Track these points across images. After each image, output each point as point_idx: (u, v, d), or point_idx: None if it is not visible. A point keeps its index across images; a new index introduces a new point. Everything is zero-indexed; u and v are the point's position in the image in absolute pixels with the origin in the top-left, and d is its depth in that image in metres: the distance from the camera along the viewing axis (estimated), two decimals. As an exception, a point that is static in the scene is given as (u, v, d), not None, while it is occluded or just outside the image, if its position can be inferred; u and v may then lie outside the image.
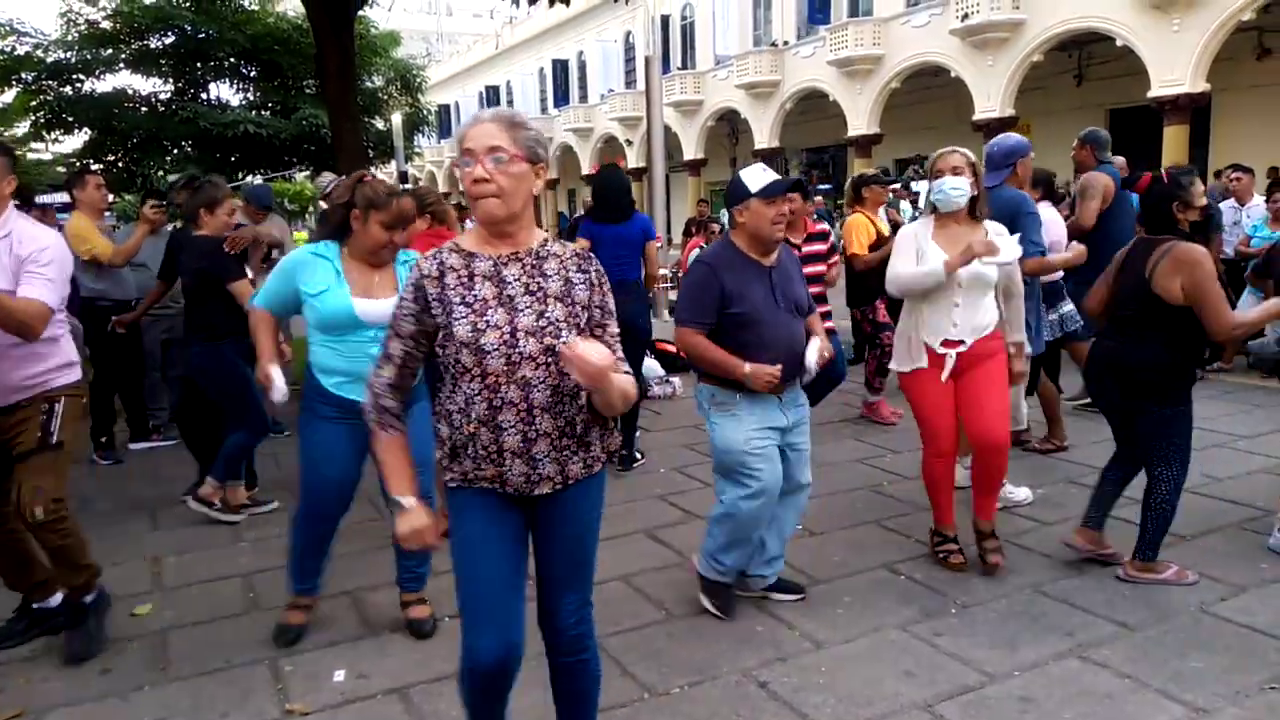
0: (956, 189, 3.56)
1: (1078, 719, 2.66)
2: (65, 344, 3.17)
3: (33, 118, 13.04)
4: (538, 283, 2.00)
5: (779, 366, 3.13)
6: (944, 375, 3.63)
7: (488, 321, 1.94)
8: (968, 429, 3.66)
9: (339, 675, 3.03)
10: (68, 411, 3.14)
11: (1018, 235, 3.76)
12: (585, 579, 2.21)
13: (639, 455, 5.48)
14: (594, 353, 1.83)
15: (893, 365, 3.85)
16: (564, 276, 2.03)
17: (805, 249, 5.78)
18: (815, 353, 3.30)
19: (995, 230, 3.70)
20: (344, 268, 3.12)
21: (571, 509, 2.11)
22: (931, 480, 3.79)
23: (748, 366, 3.13)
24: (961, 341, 3.60)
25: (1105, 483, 3.76)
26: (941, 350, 3.62)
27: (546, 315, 1.97)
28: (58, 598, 3.35)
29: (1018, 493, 4.53)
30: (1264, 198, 7.74)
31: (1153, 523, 3.56)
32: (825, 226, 6.10)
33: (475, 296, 1.97)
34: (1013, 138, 4.70)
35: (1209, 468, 4.94)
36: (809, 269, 5.67)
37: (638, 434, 5.65)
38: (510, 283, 1.99)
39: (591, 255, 2.10)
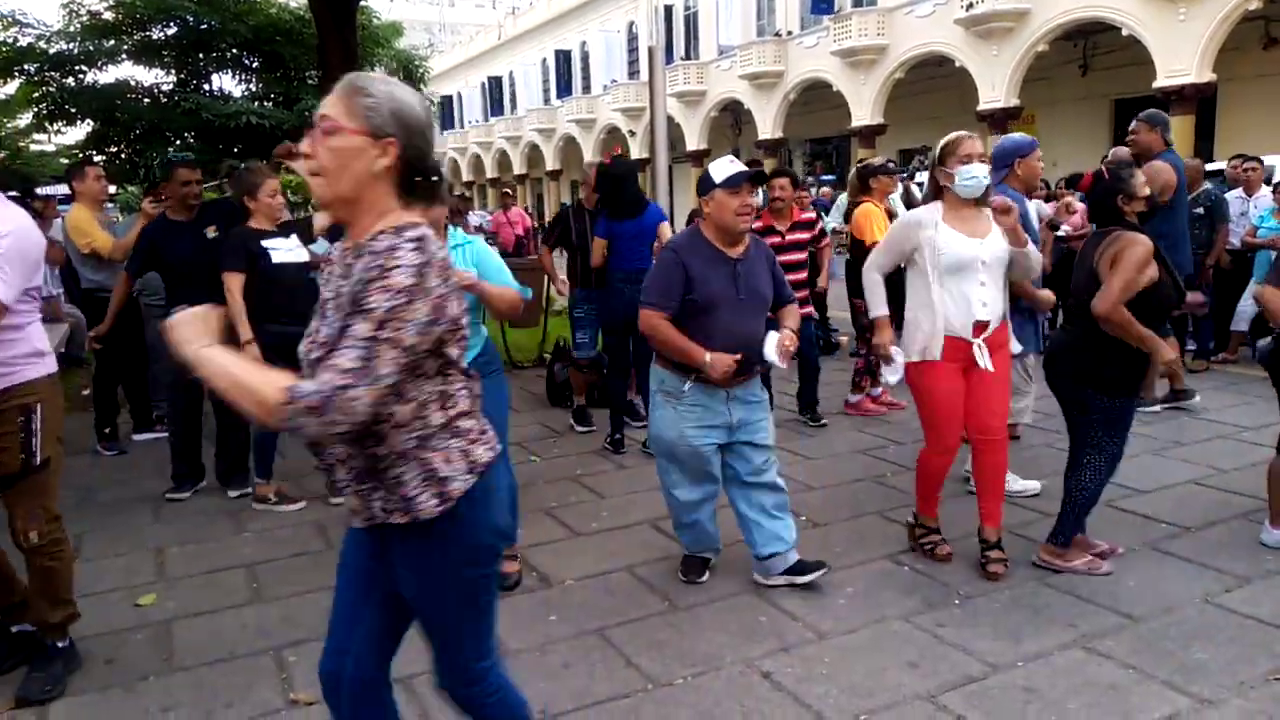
0: (986, 177, 3.54)
1: (1082, 710, 2.66)
2: (32, 332, 2.89)
3: (35, 109, 13.01)
4: (339, 286, 1.67)
5: (738, 355, 3.19)
6: (985, 363, 3.54)
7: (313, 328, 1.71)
8: (968, 421, 3.63)
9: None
10: (47, 420, 2.87)
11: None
12: (446, 643, 1.89)
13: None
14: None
15: (898, 357, 3.71)
16: (359, 277, 1.59)
17: (789, 236, 5.82)
18: (774, 345, 3.29)
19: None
20: None
21: (398, 558, 1.80)
22: (928, 474, 3.74)
23: (709, 355, 3.18)
24: (989, 322, 3.55)
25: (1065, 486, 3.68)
26: (971, 338, 3.54)
27: (323, 327, 1.66)
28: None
29: (1027, 485, 4.51)
30: (1270, 188, 7.69)
31: (1068, 507, 3.58)
32: (811, 215, 6.10)
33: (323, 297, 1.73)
34: (1016, 137, 4.62)
35: (1213, 459, 4.93)
36: (792, 256, 5.68)
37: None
38: (331, 283, 1.72)
39: (401, 248, 1.58)
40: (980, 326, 3.55)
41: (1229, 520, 4.09)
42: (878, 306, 3.74)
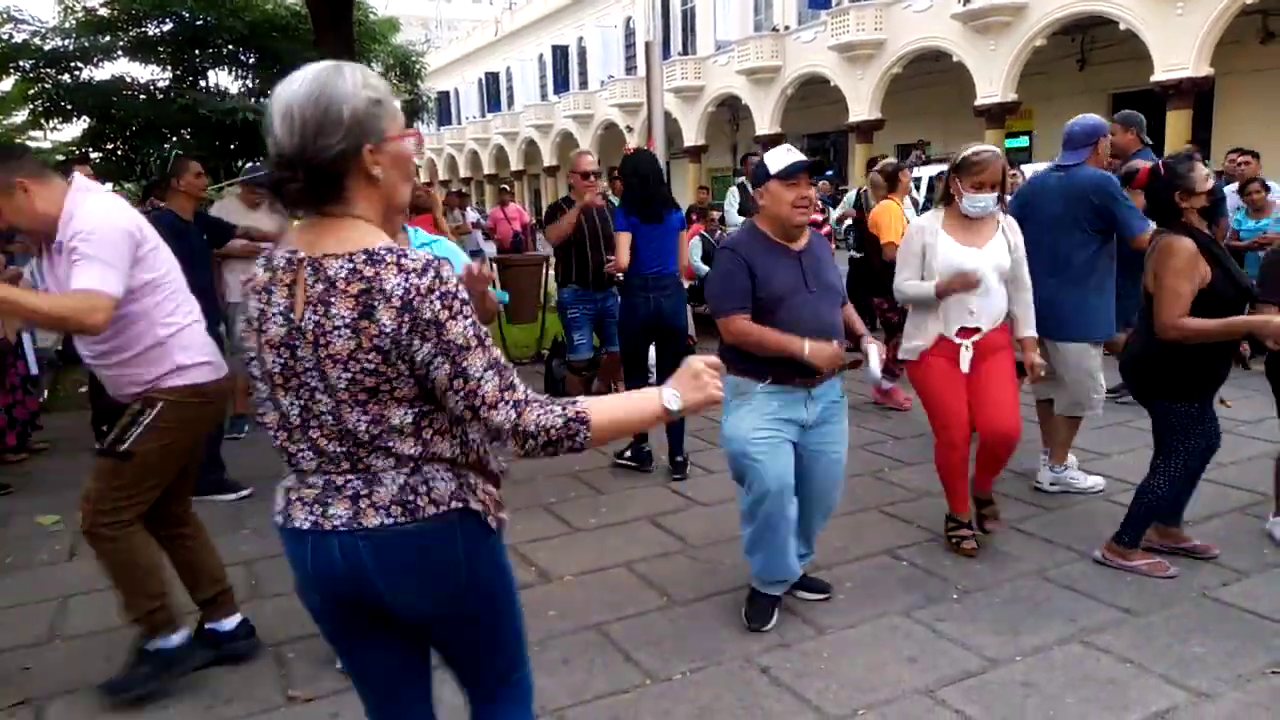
0: (993, 204, 3.56)
1: (1080, 704, 2.67)
2: (173, 346, 2.78)
3: (31, 106, 12.98)
4: None
5: (839, 344, 3.05)
6: (964, 365, 3.59)
7: None
8: (978, 422, 3.62)
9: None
10: (163, 418, 2.77)
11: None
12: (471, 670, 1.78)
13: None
14: None
15: (901, 355, 3.82)
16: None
17: None
18: (876, 359, 3.17)
19: (1006, 222, 3.69)
20: None
21: None
22: (945, 468, 3.76)
23: (808, 344, 2.95)
24: (978, 329, 3.59)
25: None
26: (958, 340, 3.60)
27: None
28: (233, 620, 3.07)
29: (1085, 479, 4.46)
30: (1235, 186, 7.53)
31: (1136, 508, 3.52)
32: (816, 215, 6.07)
33: None
34: (1092, 118, 4.45)
35: (1211, 453, 4.93)
36: None
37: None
38: None
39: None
40: (967, 331, 3.60)
41: (1226, 514, 4.10)
42: (926, 287, 3.59)
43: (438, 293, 1.43)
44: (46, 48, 12.51)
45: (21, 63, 12.56)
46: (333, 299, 1.43)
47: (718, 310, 3.12)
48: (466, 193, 21.38)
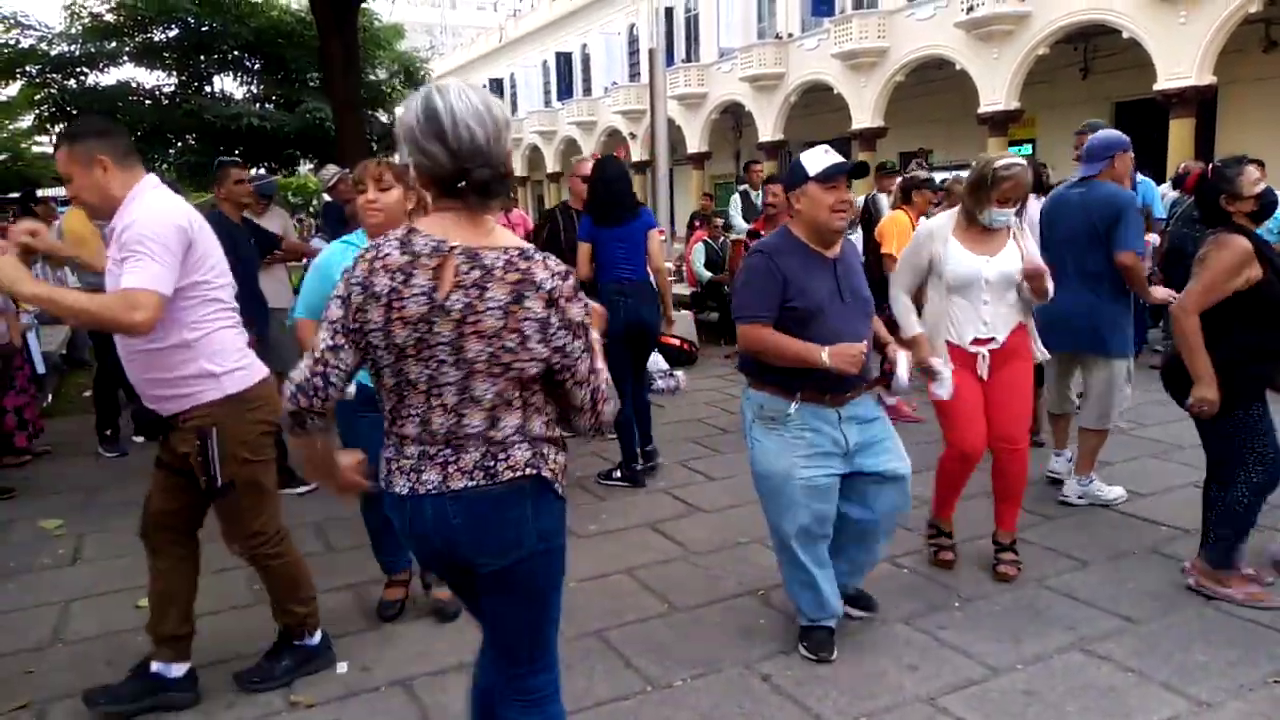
0: (1003, 220, 3.46)
1: (1081, 713, 2.66)
2: (203, 348, 2.67)
3: (37, 111, 13.06)
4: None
5: (864, 344, 2.86)
6: (983, 372, 3.49)
7: None
8: (990, 430, 3.53)
9: (342, 667, 3.04)
10: (228, 440, 2.72)
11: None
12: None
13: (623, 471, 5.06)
14: None
15: (943, 369, 3.52)
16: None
17: None
18: (906, 367, 3.05)
19: (1017, 228, 3.56)
20: None
21: None
22: (945, 476, 3.68)
23: (825, 351, 2.78)
24: (993, 339, 3.50)
25: (1205, 498, 3.48)
26: (972, 349, 3.50)
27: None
28: (183, 667, 2.92)
29: (1110, 491, 4.41)
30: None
31: (1216, 522, 3.35)
32: None
33: None
34: (1113, 132, 4.47)
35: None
36: None
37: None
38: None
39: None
40: (980, 341, 3.51)
41: (1229, 523, 4.08)
42: (910, 326, 3.55)
43: (571, 289, 1.74)
44: (53, 53, 12.60)
45: (28, 68, 12.64)
46: (489, 284, 1.68)
47: (741, 314, 2.94)
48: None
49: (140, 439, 6.18)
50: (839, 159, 2.89)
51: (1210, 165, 3.42)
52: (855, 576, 3.26)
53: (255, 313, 4.92)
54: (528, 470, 1.78)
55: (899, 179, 6.72)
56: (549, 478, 1.81)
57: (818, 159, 2.89)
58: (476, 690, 2.13)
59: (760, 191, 8.35)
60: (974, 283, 3.47)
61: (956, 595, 3.46)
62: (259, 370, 2.84)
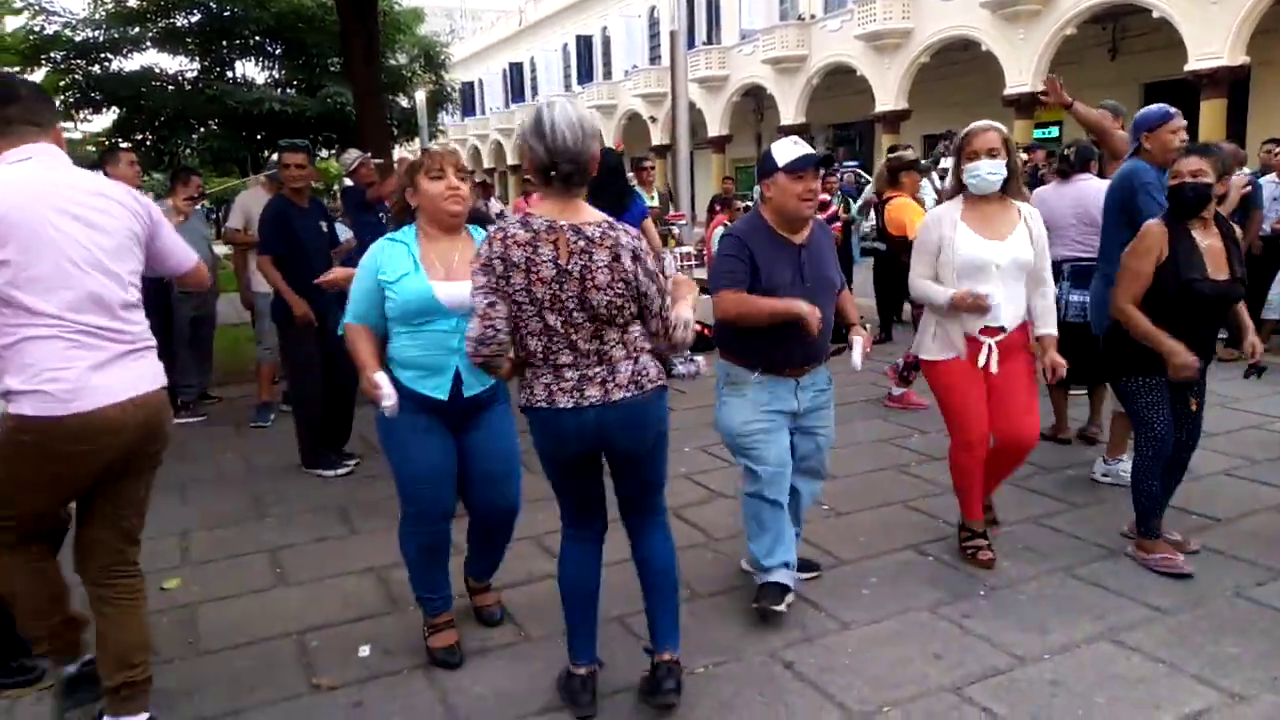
0: (993, 173, 3.37)
1: (1109, 703, 2.62)
2: (12, 360, 2.27)
3: (62, 97, 13.12)
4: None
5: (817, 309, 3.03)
6: (989, 363, 3.44)
7: None
8: (995, 428, 3.52)
9: (364, 650, 3.05)
10: None
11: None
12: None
13: None
14: None
15: (920, 355, 3.67)
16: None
17: None
18: (860, 354, 3.23)
19: (1028, 211, 3.52)
20: (421, 252, 2.86)
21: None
22: (959, 472, 3.61)
23: (804, 305, 2.97)
24: (1002, 329, 3.44)
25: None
26: (981, 338, 3.45)
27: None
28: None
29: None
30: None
31: (1134, 496, 3.57)
32: (825, 197, 6.01)
33: None
34: (1148, 109, 4.34)
35: (1245, 450, 4.84)
36: None
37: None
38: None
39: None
40: (990, 330, 3.45)
41: (1260, 512, 4.02)
42: (938, 294, 3.47)
43: (645, 248, 2.40)
44: (77, 39, 12.65)
45: (53, 54, 12.70)
46: (594, 250, 2.31)
47: (714, 286, 3.17)
48: (490, 183, 21.38)
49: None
50: (807, 150, 3.05)
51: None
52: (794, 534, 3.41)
53: (316, 301, 4.94)
54: (659, 380, 2.47)
55: (885, 163, 6.67)
56: (664, 383, 2.51)
57: (787, 150, 3.06)
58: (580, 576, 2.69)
59: None
60: (984, 268, 3.40)
61: (982, 584, 3.42)
62: (63, 404, 2.24)
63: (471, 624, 3.22)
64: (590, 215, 2.37)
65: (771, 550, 3.19)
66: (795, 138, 3.17)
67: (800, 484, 3.39)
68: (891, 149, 8.57)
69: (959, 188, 3.52)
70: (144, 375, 2.43)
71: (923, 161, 6.70)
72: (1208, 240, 3.37)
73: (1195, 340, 3.33)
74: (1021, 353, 3.55)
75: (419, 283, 2.80)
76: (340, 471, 5.02)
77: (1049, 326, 3.56)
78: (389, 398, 2.75)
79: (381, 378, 2.78)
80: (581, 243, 2.30)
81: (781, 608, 3.13)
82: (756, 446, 3.16)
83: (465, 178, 3.01)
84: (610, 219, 2.38)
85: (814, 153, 3.06)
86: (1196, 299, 3.32)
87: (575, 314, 2.32)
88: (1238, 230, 3.59)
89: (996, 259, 3.39)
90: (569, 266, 2.29)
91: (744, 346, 3.16)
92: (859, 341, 3.26)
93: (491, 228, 2.33)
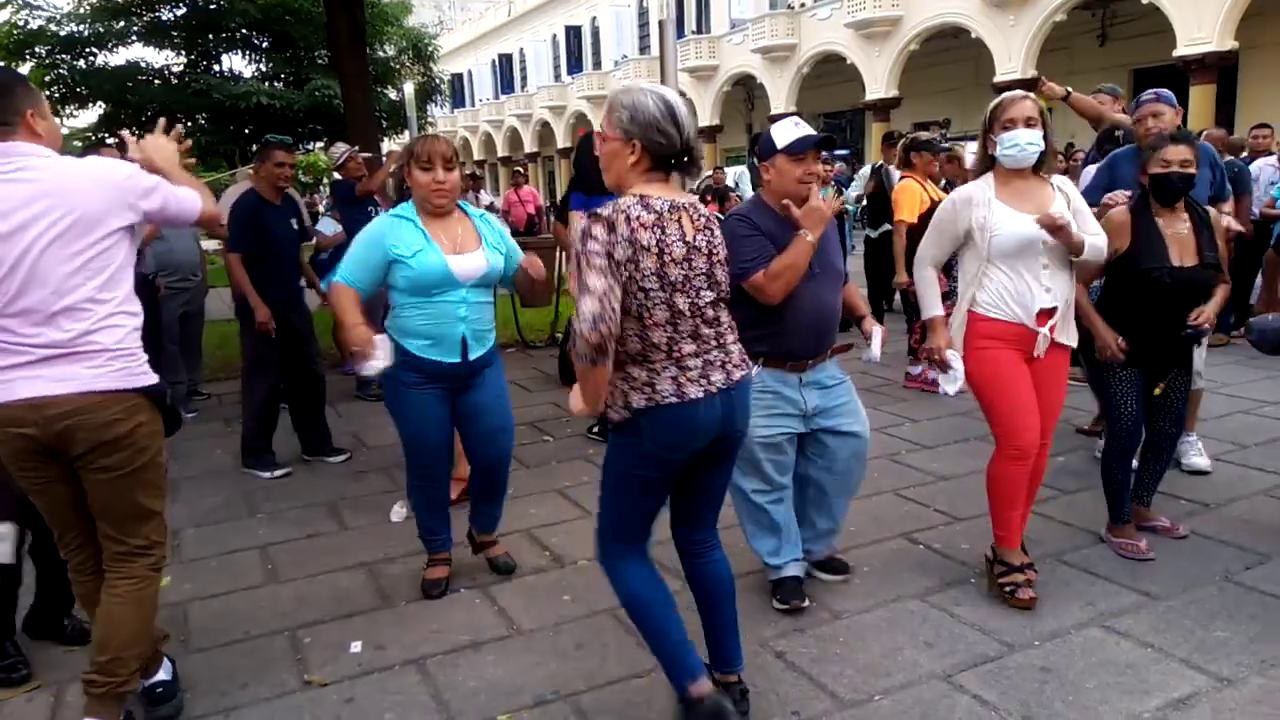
0: (1031, 143, 3.04)
1: (1099, 689, 2.63)
2: None
3: (47, 92, 13.04)
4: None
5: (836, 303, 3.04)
6: (1041, 351, 3.11)
7: None
8: None
9: (356, 646, 3.05)
10: None
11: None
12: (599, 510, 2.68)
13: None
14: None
15: (955, 363, 3.18)
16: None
17: None
18: (879, 342, 3.14)
19: (1060, 181, 3.22)
20: (428, 229, 3.12)
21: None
22: (1004, 484, 3.14)
23: (808, 234, 2.89)
24: (1056, 308, 3.09)
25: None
26: (1036, 327, 3.08)
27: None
28: None
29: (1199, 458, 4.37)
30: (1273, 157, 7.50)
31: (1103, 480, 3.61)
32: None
33: None
34: (1144, 94, 4.24)
35: (1234, 435, 4.86)
36: None
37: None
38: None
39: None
40: (1045, 314, 3.09)
41: (1250, 496, 4.04)
42: (930, 307, 3.26)
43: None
44: (62, 34, 12.56)
45: (37, 49, 12.61)
46: (712, 226, 2.33)
47: (742, 270, 2.87)
48: (481, 175, 21.31)
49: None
50: (808, 131, 2.93)
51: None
52: (821, 542, 3.34)
53: (286, 301, 4.93)
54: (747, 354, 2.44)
55: (900, 143, 6.63)
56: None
57: (786, 131, 2.93)
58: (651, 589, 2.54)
59: None
60: (1031, 244, 3.05)
61: (972, 571, 3.43)
62: None
63: (463, 619, 3.22)
64: (686, 196, 2.33)
65: (778, 550, 3.17)
66: (796, 118, 3.05)
67: (838, 486, 3.25)
68: (887, 135, 8.54)
69: (988, 163, 3.20)
70: (64, 378, 2.32)
71: (943, 145, 6.66)
72: (1173, 227, 3.35)
73: (1164, 326, 3.35)
74: (1057, 345, 3.19)
75: (435, 257, 3.06)
76: (277, 474, 4.94)
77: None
78: (381, 359, 2.99)
79: (381, 339, 3.02)
80: (701, 219, 2.29)
81: (806, 603, 3.14)
82: (762, 457, 3.07)
83: (453, 168, 3.18)
84: (695, 198, 2.38)
85: (815, 134, 2.94)
86: (1157, 287, 3.30)
87: (704, 292, 2.26)
88: (1218, 213, 3.59)
89: (1043, 234, 3.05)
90: (697, 243, 2.24)
91: (747, 338, 2.88)
92: (877, 332, 3.15)
93: (605, 209, 2.15)
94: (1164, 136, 3.45)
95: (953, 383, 3.15)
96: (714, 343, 2.30)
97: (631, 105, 2.19)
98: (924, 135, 6.38)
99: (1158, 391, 3.50)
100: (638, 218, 2.15)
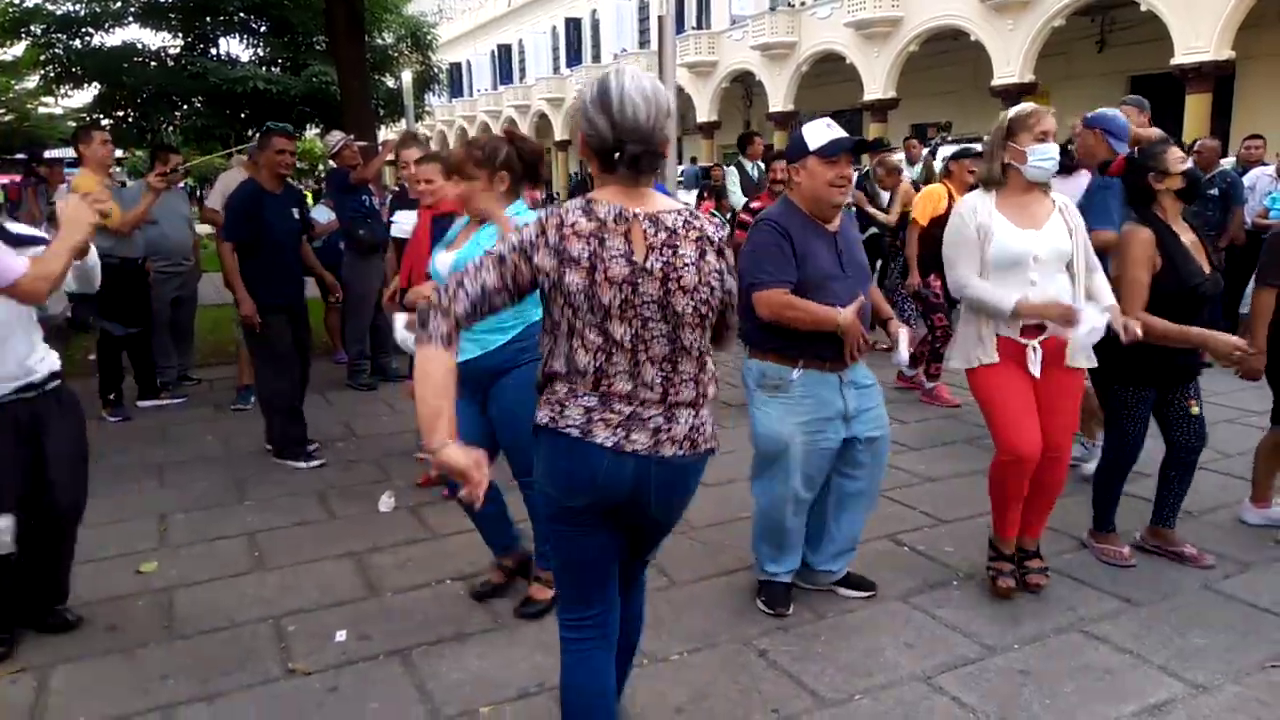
0: (1051, 159, 3.05)
1: (1077, 693, 2.66)
2: None
3: (42, 71, 12.96)
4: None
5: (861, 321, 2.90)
6: (1035, 368, 3.09)
7: None
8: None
9: (341, 635, 3.05)
10: None
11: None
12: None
13: None
14: None
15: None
16: None
17: None
18: (905, 345, 3.05)
19: (1062, 202, 3.22)
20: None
21: None
22: (1000, 483, 3.22)
23: (844, 314, 2.83)
24: (1044, 327, 3.08)
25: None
26: (1023, 340, 3.09)
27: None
28: None
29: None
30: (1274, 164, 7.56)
31: (1094, 488, 3.65)
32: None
33: None
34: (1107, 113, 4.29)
35: (1218, 443, 4.89)
36: None
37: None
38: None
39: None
40: (1031, 330, 3.10)
41: (1231, 505, 4.07)
42: (1002, 300, 3.05)
43: (727, 237, 1.97)
44: (58, 13, 12.45)
45: (33, 28, 12.51)
46: (678, 243, 1.86)
47: (756, 281, 2.89)
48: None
49: (146, 403, 6.19)
50: (840, 134, 2.88)
51: (1137, 148, 3.45)
52: (841, 559, 3.28)
53: (290, 293, 4.88)
54: (713, 442, 2.01)
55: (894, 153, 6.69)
56: (716, 445, 2.04)
57: (819, 133, 2.88)
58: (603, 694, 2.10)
59: (756, 164, 8.24)
60: (1021, 259, 3.07)
61: (955, 574, 3.46)
62: None
63: (448, 611, 3.23)
64: (665, 203, 1.90)
65: (779, 559, 3.17)
66: (829, 120, 2.97)
67: (865, 496, 3.21)
68: (876, 140, 8.59)
69: (1004, 174, 3.15)
70: None
71: (884, 144, 6.74)
72: (1188, 236, 3.37)
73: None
74: (1061, 362, 3.16)
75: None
76: (314, 464, 4.89)
77: (1109, 298, 3.22)
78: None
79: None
80: (662, 235, 1.85)
81: (790, 612, 3.15)
82: (799, 466, 2.99)
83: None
84: (686, 206, 1.97)
85: (849, 137, 2.90)
86: (1201, 301, 3.28)
87: (653, 323, 1.84)
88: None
89: (1036, 249, 3.06)
90: (648, 265, 1.83)
91: (784, 339, 2.93)
92: (904, 335, 3.06)
93: (545, 210, 1.88)
94: (1165, 138, 3.47)
95: (1095, 334, 2.99)
96: (658, 395, 1.87)
97: (578, 95, 1.91)
98: (976, 148, 6.12)
99: (1195, 411, 3.48)
100: (572, 224, 1.82)
